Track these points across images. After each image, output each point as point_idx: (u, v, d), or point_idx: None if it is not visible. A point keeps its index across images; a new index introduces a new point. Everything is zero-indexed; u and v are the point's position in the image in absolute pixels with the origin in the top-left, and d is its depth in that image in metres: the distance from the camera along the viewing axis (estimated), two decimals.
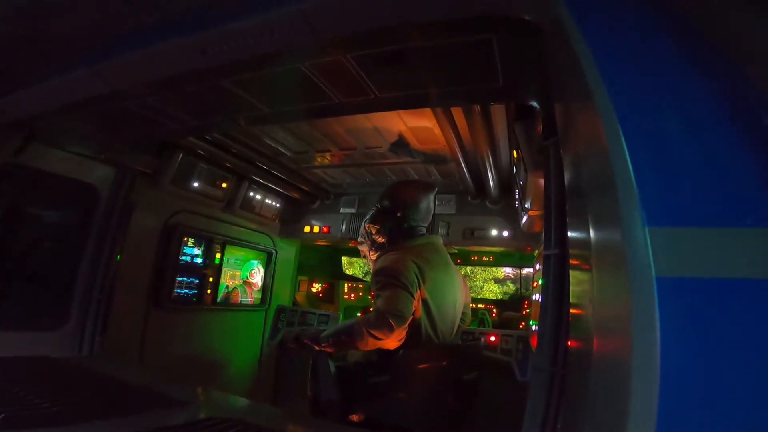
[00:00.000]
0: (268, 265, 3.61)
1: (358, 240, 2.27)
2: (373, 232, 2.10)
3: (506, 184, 2.78)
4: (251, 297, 3.46)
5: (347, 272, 5.10)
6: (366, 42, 1.11)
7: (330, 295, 4.49)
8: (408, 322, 1.80)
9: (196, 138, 2.37)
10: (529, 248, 3.08)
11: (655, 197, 0.45)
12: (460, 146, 2.21)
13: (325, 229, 3.49)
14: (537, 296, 2.52)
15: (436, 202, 3.07)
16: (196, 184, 2.70)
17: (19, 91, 1.48)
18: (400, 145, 2.37)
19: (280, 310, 3.57)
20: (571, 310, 0.94)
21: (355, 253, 5.02)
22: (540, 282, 2.03)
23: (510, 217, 2.93)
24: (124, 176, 2.34)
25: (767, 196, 0.42)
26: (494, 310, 4.09)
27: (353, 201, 3.41)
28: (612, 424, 0.45)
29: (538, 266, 2.76)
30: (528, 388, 1.14)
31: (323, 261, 4.59)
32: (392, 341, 1.80)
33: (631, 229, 0.44)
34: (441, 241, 2.21)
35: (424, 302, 1.89)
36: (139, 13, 1.14)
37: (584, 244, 0.64)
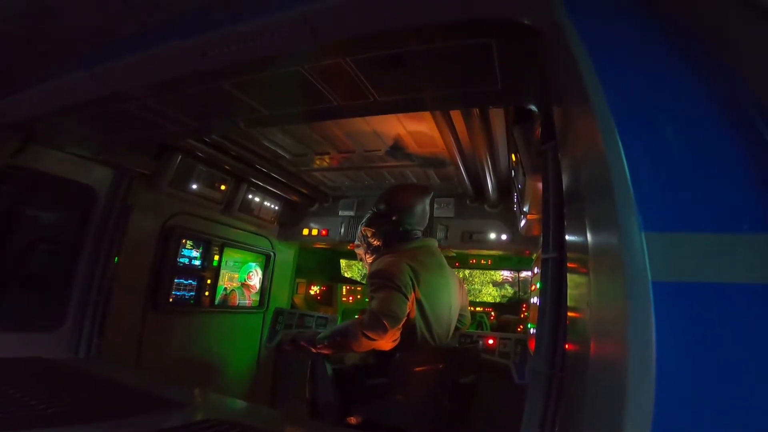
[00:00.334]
0: (267, 267, 3.60)
1: (355, 243, 2.29)
2: (369, 235, 2.13)
3: (505, 187, 2.79)
4: (249, 299, 3.45)
5: (345, 275, 5.09)
6: (366, 45, 1.11)
7: (328, 297, 4.48)
8: (402, 323, 1.82)
9: (195, 140, 2.37)
10: (527, 251, 3.08)
11: (652, 202, 0.45)
12: (458, 150, 2.21)
13: (323, 232, 3.49)
14: (535, 299, 2.52)
15: (435, 206, 3.09)
16: (194, 186, 2.70)
17: (19, 92, 1.48)
18: (397, 148, 2.40)
19: (278, 312, 3.56)
20: (569, 314, 0.94)
21: (353, 255, 5.02)
22: (538, 285, 2.03)
23: (508, 221, 2.94)
24: (123, 178, 2.34)
25: (763, 201, 0.42)
26: (492, 313, 4.09)
27: (352, 204, 3.42)
28: (609, 426, 0.45)
29: (536, 269, 2.76)
30: (526, 391, 1.14)
31: (321, 264, 4.58)
32: (386, 342, 1.82)
33: (628, 234, 0.45)
34: (436, 244, 2.23)
35: (419, 304, 1.92)
36: (139, 15, 1.14)
37: (582, 247, 0.64)
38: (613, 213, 0.47)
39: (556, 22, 0.71)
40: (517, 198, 2.41)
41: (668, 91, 0.52)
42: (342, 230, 3.39)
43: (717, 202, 0.44)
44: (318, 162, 2.78)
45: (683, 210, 0.45)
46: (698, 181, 0.46)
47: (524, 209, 2.16)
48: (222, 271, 3.18)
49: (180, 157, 2.51)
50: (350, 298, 4.56)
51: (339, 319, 3.52)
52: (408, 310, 1.86)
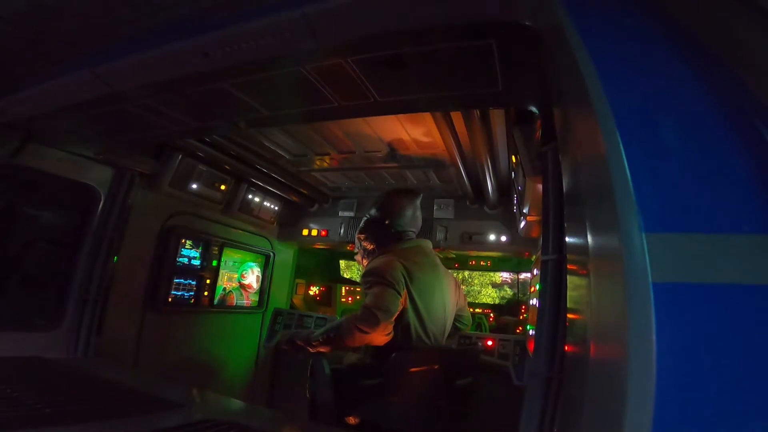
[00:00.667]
0: (266, 267, 3.60)
1: (355, 250, 2.35)
2: (362, 239, 2.21)
3: (505, 189, 2.79)
4: (248, 300, 3.44)
5: (345, 275, 5.08)
6: (367, 46, 1.11)
7: (327, 298, 4.48)
8: (394, 317, 1.87)
9: (195, 140, 2.37)
10: (527, 253, 3.08)
11: (653, 203, 0.45)
12: (459, 151, 2.22)
13: (323, 233, 3.48)
14: (534, 301, 2.52)
15: (435, 207, 3.10)
16: (194, 186, 2.70)
17: (20, 91, 1.48)
18: (393, 151, 2.47)
19: (277, 313, 3.56)
20: (568, 315, 0.94)
21: (353, 256, 5.02)
22: (537, 287, 2.03)
23: (508, 222, 2.94)
24: (123, 177, 2.34)
25: (763, 202, 0.42)
26: (491, 314, 4.08)
27: (352, 204, 3.42)
28: (609, 429, 0.45)
29: (535, 271, 2.76)
30: (524, 392, 1.14)
31: (321, 264, 4.58)
32: (379, 335, 1.85)
33: (629, 235, 0.44)
34: (430, 245, 2.28)
35: (412, 302, 1.96)
36: (141, 16, 1.14)
37: (582, 249, 0.64)
38: (613, 214, 0.47)
39: (557, 23, 0.71)
40: (516, 199, 2.41)
41: (669, 92, 0.52)
42: (342, 231, 3.39)
43: (718, 202, 0.44)
44: (318, 162, 2.78)
45: (684, 211, 0.44)
46: (699, 182, 0.46)
47: (524, 211, 2.16)
48: (221, 271, 3.17)
49: (180, 156, 2.51)
50: (349, 298, 4.56)
51: (338, 319, 3.51)
52: (401, 307, 1.91)
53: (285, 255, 3.80)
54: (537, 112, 1.33)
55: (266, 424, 1.57)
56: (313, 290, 4.39)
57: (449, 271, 2.36)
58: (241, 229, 3.32)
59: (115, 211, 2.31)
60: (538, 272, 2.31)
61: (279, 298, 3.74)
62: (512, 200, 2.72)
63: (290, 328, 3.42)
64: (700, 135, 0.48)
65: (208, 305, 3.07)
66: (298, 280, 4.10)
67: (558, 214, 1.17)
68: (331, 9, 0.97)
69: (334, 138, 2.36)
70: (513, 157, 2.11)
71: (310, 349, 1.98)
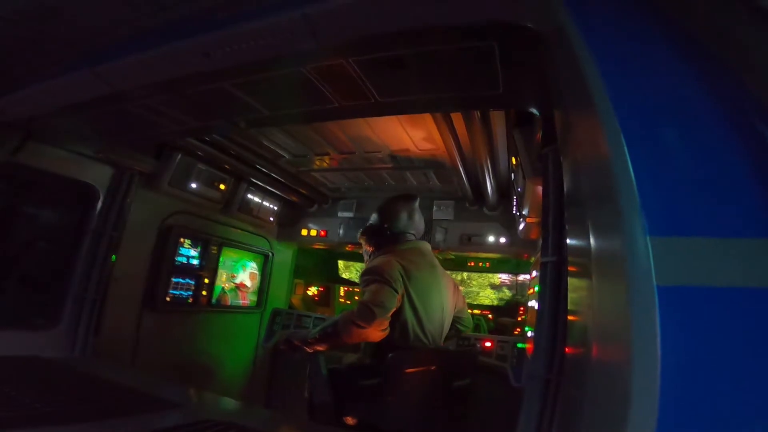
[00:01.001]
0: (265, 267, 3.59)
1: (362, 251, 2.43)
2: (363, 242, 2.32)
3: (504, 190, 2.80)
4: (244, 299, 3.43)
5: (343, 276, 5.08)
6: (368, 46, 1.11)
7: (326, 298, 4.47)
8: (390, 313, 1.90)
9: (195, 139, 2.37)
10: (526, 255, 3.09)
11: (657, 206, 0.45)
12: (459, 152, 2.22)
13: (322, 233, 3.48)
14: (533, 303, 2.53)
15: (434, 208, 3.11)
16: (194, 186, 2.69)
17: (20, 90, 1.48)
18: (393, 156, 2.54)
19: (276, 312, 3.55)
20: (569, 317, 0.94)
21: (351, 257, 5.02)
22: (536, 289, 2.04)
23: (507, 224, 2.94)
24: (122, 176, 2.33)
25: (766, 207, 0.42)
26: (490, 315, 4.09)
27: (351, 205, 3.41)
28: (611, 429, 0.45)
29: (534, 273, 2.77)
30: (522, 394, 1.14)
31: (319, 264, 4.58)
32: (375, 331, 1.88)
33: (633, 238, 0.45)
34: (428, 247, 2.32)
35: (410, 300, 1.99)
36: (141, 16, 1.14)
37: (583, 251, 0.64)
38: (617, 217, 0.47)
39: (559, 25, 0.71)
40: (516, 201, 2.41)
41: (672, 94, 0.52)
42: (341, 231, 3.39)
43: (721, 206, 0.44)
44: (318, 163, 2.78)
45: (688, 214, 0.45)
46: (703, 185, 0.46)
47: (523, 212, 2.17)
48: (220, 271, 3.17)
49: (180, 156, 2.51)
50: (348, 299, 4.56)
51: None
52: (398, 305, 1.94)
53: (284, 255, 3.80)
54: (537, 113, 1.34)
55: (264, 424, 1.57)
56: (312, 290, 4.39)
57: (447, 272, 2.38)
58: (241, 229, 3.32)
59: (115, 210, 2.30)
60: (537, 274, 2.31)
61: (278, 298, 3.73)
62: (512, 202, 2.72)
63: (289, 328, 3.42)
64: (703, 138, 0.48)
65: (207, 305, 3.06)
66: (296, 280, 4.10)
67: (558, 216, 1.17)
68: (331, 9, 0.97)
69: (334, 138, 2.36)
70: (513, 159, 2.11)
71: (308, 349, 1.99)
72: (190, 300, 2.93)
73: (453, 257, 3.62)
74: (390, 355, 1.85)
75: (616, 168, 0.48)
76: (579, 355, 0.72)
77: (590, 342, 0.58)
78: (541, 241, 1.27)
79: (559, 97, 0.96)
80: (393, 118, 2.03)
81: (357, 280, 5.97)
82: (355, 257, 4.87)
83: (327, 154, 2.60)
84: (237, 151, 2.59)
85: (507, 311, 4.02)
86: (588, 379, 0.55)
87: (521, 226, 2.44)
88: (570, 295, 0.91)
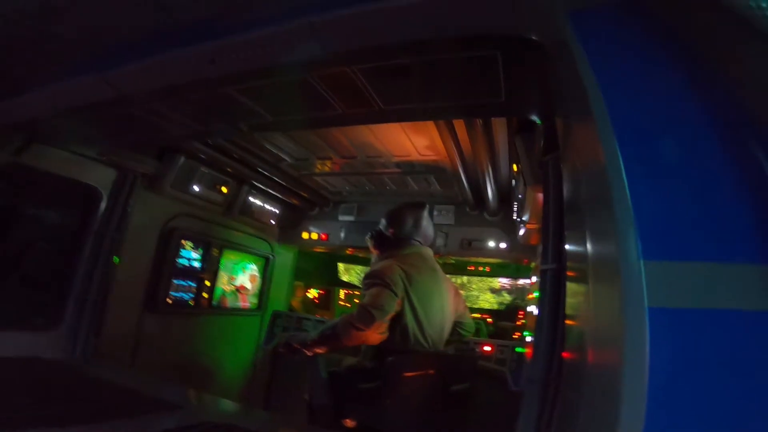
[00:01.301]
0: (266, 270, 3.60)
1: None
2: (370, 245, 2.35)
3: (505, 196, 2.80)
4: (244, 302, 3.44)
5: (343, 279, 5.09)
6: (373, 55, 1.13)
7: (326, 301, 4.48)
8: (389, 316, 1.92)
9: (198, 142, 2.38)
10: (525, 260, 3.09)
11: (652, 231, 0.47)
12: (460, 158, 2.23)
13: (323, 236, 3.49)
14: (532, 308, 2.53)
15: (435, 212, 3.12)
16: (196, 188, 2.70)
17: (27, 93, 1.49)
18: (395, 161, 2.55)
19: (276, 315, 3.56)
20: (567, 322, 0.95)
21: (352, 260, 5.02)
22: (536, 295, 2.04)
23: (507, 229, 2.95)
24: (125, 178, 2.34)
25: (756, 234, 0.44)
26: (489, 319, 4.09)
27: (352, 209, 3.42)
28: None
29: (534, 278, 2.77)
30: (521, 397, 1.15)
31: (320, 267, 4.58)
32: (373, 333, 1.90)
33: (628, 261, 0.47)
34: (431, 252, 2.35)
35: (411, 304, 2.01)
36: (149, 21, 1.15)
37: (581, 257, 0.65)
38: (614, 238, 0.49)
39: (563, 38, 0.73)
40: (516, 207, 2.42)
41: (670, 114, 0.54)
42: (342, 235, 3.40)
43: (713, 232, 0.46)
44: (320, 166, 2.80)
45: (681, 240, 0.46)
46: (696, 211, 0.47)
47: (523, 218, 2.18)
48: (221, 273, 3.17)
49: (183, 158, 2.52)
50: (348, 302, 4.56)
51: None
52: (398, 308, 1.96)
53: (285, 258, 3.80)
54: (539, 122, 1.35)
55: (264, 426, 1.57)
56: (312, 293, 4.39)
57: (448, 277, 2.39)
58: (242, 232, 3.33)
59: (117, 212, 2.31)
60: (537, 280, 2.32)
61: (278, 301, 3.73)
62: (512, 208, 2.73)
63: (289, 330, 3.42)
64: (699, 163, 0.50)
65: (207, 307, 3.07)
66: (296, 283, 4.10)
67: (558, 224, 1.18)
68: (338, 19, 0.99)
69: (336, 143, 2.38)
70: (514, 166, 2.13)
71: (307, 352, 2.00)
72: (191, 302, 2.93)
73: (453, 261, 3.62)
74: (390, 358, 1.86)
75: (614, 188, 0.50)
76: (576, 360, 0.73)
77: (586, 348, 0.59)
78: (540, 248, 1.28)
79: (561, 107, 0.97)
80: (396, 124, 2.05)
81: (357, 284, 5.99)
82: (356, 260, 4.87)
83: (329, 158, 2.62)
84: (239, 154, 2.60)
85: (506, 315, 4.02)
86: (583, 383, 0.56)
87: (521, 232, 2.45)
88: (568, 300, 0.92)
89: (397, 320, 1.97)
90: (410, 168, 2.64)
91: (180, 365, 2.82)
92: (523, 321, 3.37)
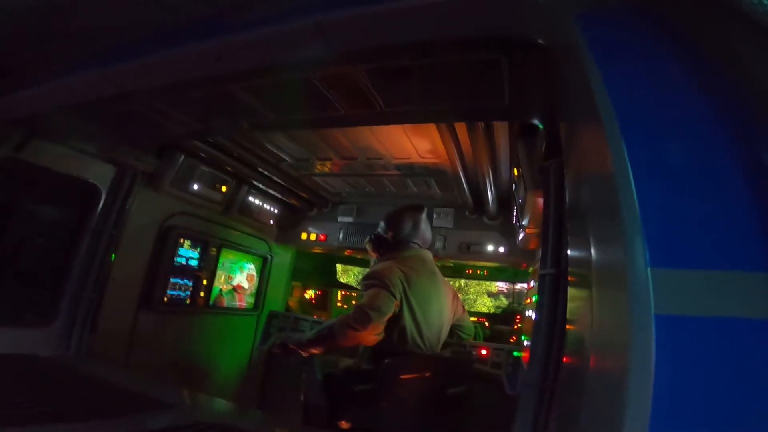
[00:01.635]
0: (263, 269, 3.59)
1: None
2: (369, 248, 2.37)
3: (505, 200, 2.81)
4: (241, 301, 3.42)
5: (341, 280, 5.08)
6: (377, 56, 1.12)
7: (323, 302, 4.46)
8: (386, 318, 1.92)
9: (198, 140, 2.38)
10: (524, 264, 3.10)
11: (659, 239, 0.47)
12: (461, 161, 2.24)
13: (321, 237, 3.48)
14: (530, 312, 2.53)
15: (434, 215, 3.12)
16: (195, 187, 2.69)
17: (29, 88, 1.48)
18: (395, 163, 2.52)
19: (273, 315, 3.54)
20: (567, 327, 0.95)
21: (350, 261, 5.02)
22: (534, 299, 2.04)
23: (506, 234, 2.95)
24: (125, 175, 2.33)
25: (762, 242, 0.44)
26: (486, 323, 4.10)
27: (351, 210, 3.42)
28: None
29: (532, 283, 2.78)
30: (516, 402, 1.15)
31: (318, 268, 4.57)
32: (370, 334, 1.90)
33: (635, 269, 0.47)
34: (430, 256, 2.36)
35: (409, 306, 2.01)
36: (155, 18, 1.15)
37: (584, 263, 0.65)
38: (620, 245, 0.49)
39: (569, 41, 0.73)
40: (516, 211, 2.43)
41: (678, 118, 0.54)
42: (341, 236, 3.39)
43: (720, 240, 0.46)
44: (319, 167, 2.79)
45: (689, 247, 0.46)
46: (705, 218, 0.47)
47: (523, 223, 2.18)
48: (219, 272, 3.16)
49: (183, 157, 2.51)
50: (345, 303, 4.55)
51: None
52: (395, 309, 1.97)
53: (283, 258, 3.79)
54: (541, 126, 1.35)
55: (258, 426, 1.56)
56: (309, 294, 4.38)
57: (447, 280, 2.39)
58: (240, 231, 3.32)
59: (115, 209, 2.30)
60: (535, 284, 2.32)
61: (275, 301, 3.72)
62: (512, 212, 2.74)
63: (285, 331, 3.41)
64: (707, 171, 0.49)
65: (204, 306, 3.05)
66: (294, 283, 4.09)
67: (557, 229, 1.18)
68: (344, 19, 0.98)
69: (337, 144, 2.38)
70: (515, 170, 2.13)
71: (303, 352, 2.00)
72: (188, 301, 2.92)
73: (452, 264, 3.63)
74: (387, 360, 1.85)
75: (621, 195, 0.50)
76: (576, 365, 0.73)
77: (588, 353, 0.59)
78: (539, 252, 1.28)
79: (565, 111, 0.97)
80: (397, 126, 2.04)
81: (355, 285, 5.98)
82: (354, 262, 4.87)
83: (329, 159, 2.61)
84: (239, 153, 2.59)
85: (503, 319, 4.02)
86: (584, 388, 0.56)
87: (520, 236, 2.45)
88: (570, 305, 0.92)
89: (396, 322, 1.98)
90: (410, 170, 2.64)
91: (175, 364, 2.81)
92: (520, 325, 3.38)
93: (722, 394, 0.41)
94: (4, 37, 1.27)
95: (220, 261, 3.16)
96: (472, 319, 4.07)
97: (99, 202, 2.27)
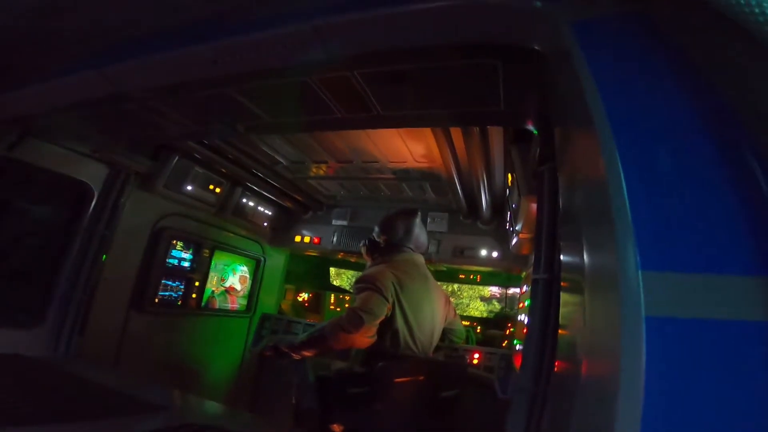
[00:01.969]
0: (256, 272, 3.57)
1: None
2: (363, 252, 2.40)
3: (499, 205, 2.83)
4: (233, 303, 3.40)
5: (334, 283, 5.07)
6: (374, 60, 1.13)
7: (316, 305, 4.45)
8: (378, 320, 1.93)
9: (193, 142, 2.37)
10: (517, 269, 3.12)
11: (650, 243, 0.48)
12: (456, 166, 2.25)
13: (315, 240, 3.48)
14: (522, 316, 2.55)
15: (428, 220, 3.14)
16: (189, 188, 2.68)
17: (25, 87, 1.47)
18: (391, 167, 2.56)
19: (265, 318, 3.52)
20: (560, 332, 0.96)
21: (343, 264, 5.01)
22: (526, 303, 2.06)
23: (500, 238, 2.97)
24: (118, 176, 2.32)
25: (751, 247, 0.46)
26: (478, 327, 4.11)
27: (346, 213, 3.42)
28: None
29: (525, 288, 2.80)
30: (508, 405, 1.16)
31: (311, 271, 4.56)
32: (362, 337, 1.91)
33: (626, 272, 0.48)
34: (422, 259, 2.38)
35: (402, 309, 2.03)
36: (152, 19, 1.15)
37: (576, 267, 0.66)
38: (612, 248, 0.50)
39: (564, 47, 0.74)
40: (510, 216, 2.45)
41: (671, 124, 0.55)
42: (335, 239, 3.39)
43: (709, 245, 0.47)
44: (314, 170, 2.79)
45: (678, 251, 0.48)
46: (694, 223, 0.49)
47: (516, 228, 2.20)
48: (211, 274, 3.14)
49: (177, 158, 2.50)
50: (338, 306, 4.54)
51: None
52: (388, 313, 1.98)
53: (276, 260, 3.78)
54: (535, 131, 1.37)
55: (249, 428, 1.55)
56: (302, 296, 4.36)
57: (439, 284, 2.41)
58: (234, 233, 3.31)
59: (108, 209, 2.28)
60: (528, 288, 2.33)
61: (268, 303, 3.70)
62: (505, 217, 2.76)
63: (277, 333, 3.40)
64: (698, 177, 0.51)
65: (196, 308, 3.03)
66: (287, 286, 4.08)
67: (551, 234, 1.20)
68: (341, 23, 0.99)
69: (332, 147, 2.38)
70: (509, 175, 2.15)
71: (295, 355, 1.99)
72: (180, 302, 2.90)
73: (445, 269, 3.64)
74: (380, 363, 1.86)
75: (613, 199, 0.51)
76: (568, 369, 0.74)
77: (579, 357, 0.60)
78: (532, 258, 1.29)
79: (559, 116, 0.99)
80: (393, 130, 2.06)
81: (348, 288, 5.97)
82: (347, 265, 4.86)
83: (324, 162, 2.62)
84: (234, 155, 2.59)
85: (495, 324, 4.04)
86: (577, 395, 0.57)
87: (514, 241, 2.47)
88: (561, 310, 0.93)
89: (388, 325, 1.98)
90: (405, 174, 2.66)
91: (166, 366, 2.78)
92: (512, 330, 3.39)
93: (711, 394, 0.43)
94: (3, 35, 1.26)
95: (213, 263, 3.14)
96: (465, 323, 4.10)
97: (91, 202, 2.26)
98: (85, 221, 2.24)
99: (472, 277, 4.33)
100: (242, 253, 3.43)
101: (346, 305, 4.55)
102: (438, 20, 0.92)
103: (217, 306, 3.25)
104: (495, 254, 3.00)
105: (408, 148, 2.26)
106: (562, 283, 0.97)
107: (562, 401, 0.77)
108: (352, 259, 3.93)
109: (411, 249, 2.30)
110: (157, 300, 2.72)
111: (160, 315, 2.78)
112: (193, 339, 3.06)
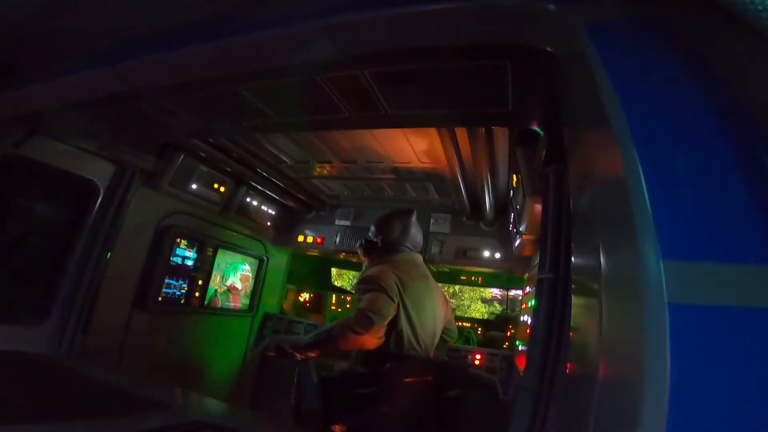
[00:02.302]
0: (259, 271, 3.57)
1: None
2: (360, 253, 2.39)
3: (502, 206, 2.83)
4: (235, 302, 3.40)
5: (336, 284, 5.07)
6: (384, 60, 1.13)
7: (317, 305, 4.46)
8: (386, 321, 1.93)
9: (199, 140, 2.37)
10: (520, 271, 3.12)
11: (670, 232, 0.49)
12: (460, 167, 2.26)
13: (318, 240, 3.48)
14: (526, 317, 2.55)
15: (431, 221, 3.15)
16: (194, 186, 2.69)
17: (33, 85, 1.47)
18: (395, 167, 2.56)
19: (267, 317, 3.53)
20: (571, 333, 0.96)
21: (345, 264, 5.01)
22: (530, 304, 2.06)
23: (503, 240, 2.98)
24: (123, 173, 2.32)
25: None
26: (479, 329, 4.11)
27: (349, 213, 3.43)
28: None
29: (528, 289, 2.80)
30: (510, 406, 1.16)
31: (313, 271, 4.57)
32: (371, 338, 1.90)
33: (647, 262, 0.48)
34: (421, 259, 2.39)
35: (405, 309, 2.02)
36: (165, 17, 1.16)
37: (591, 269, 0.67)
38: (632, 241, 0.51)
39: (577, 49, 0.75)
40: (513, 218, 2.45)
41: (686, 121, 0.56)
42: (337, 239, 3.40)
43: (729, 233, 0.48)
44: (319, 170, 2.80)
45: (698, 240, 0.48)
46: (713, 213, 0.49)
47: (520, 229, 2.20)
48: (214, 273, 3.15)
49: (182, 156, 2.51)
50: (340, 306, 4.54)
51: None
52: (394, 313, 1.97)
53: (278, 260, 3.79)
54: (541, 133, 1.37)
55: (251, 426, 1.55)
56: (303, 296, 4.37)
57: (438, 284, 2.42)
58: (237, 232, 3.31)
59: (113, 207, 2.29)
60: (531, 289, 2.34)
61: (270, 303, 3.71)
62: (509, 218, 2.76)
63: (279, 333, 3.40)
64: (716, 168, 0.52)
65: (199, 306, 3.03)
66: (288, 286, 4.08)
67: (556, 234, 1.20)
68: (353, 22, 1.00)
69: (337, 146, 2.39)
70: (514, 177, 2.16)
71: (299, 356, 1.99)
72: (183, 301, 2.90)
73: (447, 270, 3.65)
74: (387, 364, 1.85)
75: (631, 194, 0.52)
76: (581, 368, 0.74)
77: (596, 355, 0.60)
78: (537, 258, 1.30)
79: (569, 117, 0.99)
80: (398, 130, 2.06)
81: (349, 289, 5.97)
82: (349, 265, 4.86)
83: (329, 161, 2.62)
84: (239, 154, 2.60)
85: (496, 325, 4.05)
86: (594, 387, 0.57)
87: (517, 243, 2.47)
88: (574, 311, 0.93)
89: (392, 325, 1.98)
90: (409, 175, 2.66)
91: (169, 364, 2.78)
92: (513, 331, 3.39)
93: (736, 383, 0.43)
94: (12, 33, 1.26)
95: (216, 261, 3.14)
96: (466, 325, 4.10)
97: (97, 200, 2.26)
98: (90, 219, 2.25)
99: (473, 278, 4.34)
100: (245, 253, 3.44)
101: (347, 305, 4.55)
102: (452, 21, 0.92)
103: (219, 305, 3.26)
104: (498, 255, 3.00)
105: (413, 147, 2.27)
106: (573, 285, 0.97)
107: (572, 400, 0.77)
108: (354, 260, 3.94)
109: (408, 248, 2.30)
110: (160, 298, 2.73)
111: (164, 313, 2.79)
112: (196, 338, 3.06)
